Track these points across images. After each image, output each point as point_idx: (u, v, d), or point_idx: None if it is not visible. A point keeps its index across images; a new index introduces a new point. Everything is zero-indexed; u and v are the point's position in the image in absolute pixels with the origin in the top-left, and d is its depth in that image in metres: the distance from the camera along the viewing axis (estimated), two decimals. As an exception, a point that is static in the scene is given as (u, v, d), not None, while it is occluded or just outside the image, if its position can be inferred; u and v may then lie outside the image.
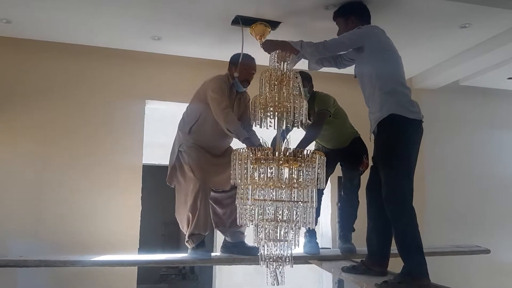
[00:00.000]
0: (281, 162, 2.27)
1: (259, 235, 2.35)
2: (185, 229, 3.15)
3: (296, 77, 2.44)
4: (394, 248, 2.72)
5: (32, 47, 3.77)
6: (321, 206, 3.49)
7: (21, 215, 3.61)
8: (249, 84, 3.19)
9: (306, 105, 2.42)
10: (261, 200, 2.27)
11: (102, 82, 3.94)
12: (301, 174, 2.29)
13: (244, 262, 3.18)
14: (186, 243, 3.16)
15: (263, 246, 2.35)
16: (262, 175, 2.28)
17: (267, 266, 2.38)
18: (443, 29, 3.40)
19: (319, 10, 3.03)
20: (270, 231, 2.32)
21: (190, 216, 3.06)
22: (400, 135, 2.46)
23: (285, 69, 2.48)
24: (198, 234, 3.10)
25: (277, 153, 2.30)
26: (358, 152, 3.32)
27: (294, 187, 2.26)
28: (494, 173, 5.06)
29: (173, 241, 10.71)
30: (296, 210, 2.29)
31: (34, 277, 3.49)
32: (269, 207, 2.29)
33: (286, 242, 2.33)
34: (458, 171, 4.91)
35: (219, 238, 3.96)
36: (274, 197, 2.26)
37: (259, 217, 2.30)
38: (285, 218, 2.30)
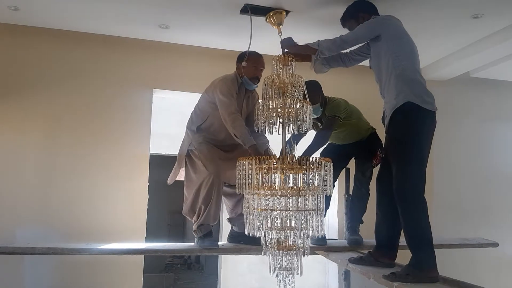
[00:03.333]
0: (285, 169, 2.23)
1: (267, 243, 2.32)
2: (194, 219, 3.16)
3: (300, 83, 2.41)
4: (402, 240, 2.72)
5: (40, 35, 3.76)
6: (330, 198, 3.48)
7: (29, 203, 3.62)
8: (259, 81, 3.13)
9: (311, 110, 2.41)
10: (267, 209, 2.23)
11: (110, 70, 3.93)
12: (307, 181, 2.24)
13: (251, 252, 3.17)
14: (193, 233, 3.17)
15: (272, 254, 2.32)
16: (267, 184, 2.23)
17: (276, 276, 2.34)
18: (456, 19, 3.35)
19: (329, -2, 3.00)
20: (279, 240, 2.29)
21: (203, 207, 3.06)
22: (414, 124, 2.43)
23: (288, 74, 2.44)
24: (207, 225, 3.11)
25: (282, 160, 2.26)
26: (373, 145, 3.29)
27: (300, 195, 2.22)
28: (503, 166, 5.02)
29: (178, 230, 10.78)
30: (303, 218, 2.25)
31: (41, 264, 3.53)
32: (276, 216, 2.25)
33: (295, 251, 2.29)
34: (467, 163, 4.87)
35: (226, 228, 3.96)
36: (281, 206, 2.22)
37: (266, 226, 2.26)
38: (293, 227, 2.26)
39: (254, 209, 2.24)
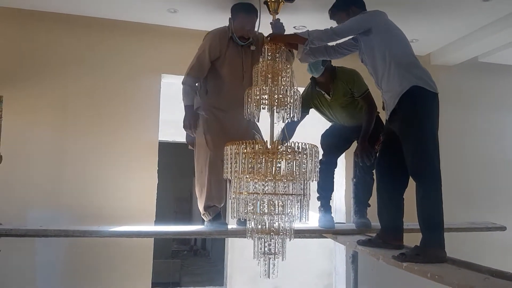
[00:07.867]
0: (271, 155, 2.29)
1: (250, 227, 2.41)
2: (198, 197, 3.19)
3: (288, 71, 2.49)
4: (410, 223, 2.73)
5: (48, 20, 3.77)
6: (334, 182, 3.50)
7: (41, 187, 3.66)
8: (248, 40, 3.10)
9: (299, 97, 2.49)
10: (251, 193, 2.32)
11: (119, 55, 3.93)
12: (293, 167, 2.30)
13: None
14: (202, 216, 3.19)
15: (255, 238, 2.41)
16: (253, 169, 2.30)
17: (258, 259, 2.43)
18: (466, 1, 3.32)
19: (338, -19, 2.97)
20: (262, 224, 2.38)
21: (205, 185, 3.08)
22: (424, 105, 2.46)
23: (277, 62, 2.53)
24: (214, 207, 3.12)
25: (269, 146, 2.34)
26: (376, 130, 3.27)
27: (287, 180, 2.30)
28: (510, 151, 5.00)
29: (185, 217, 10.86)
30: (285, 203, 2.35)
31: (53, 247, 3.57)
32: (261, 201, 2.34)
33: (278, 235, 2.39)
34: (474, 148, 4.85)
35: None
36: (267, 190, 2.31)
37: (251, 210, 2.36)
38: (277, 211, 2.35)
39: (241, 193, 2.34)
